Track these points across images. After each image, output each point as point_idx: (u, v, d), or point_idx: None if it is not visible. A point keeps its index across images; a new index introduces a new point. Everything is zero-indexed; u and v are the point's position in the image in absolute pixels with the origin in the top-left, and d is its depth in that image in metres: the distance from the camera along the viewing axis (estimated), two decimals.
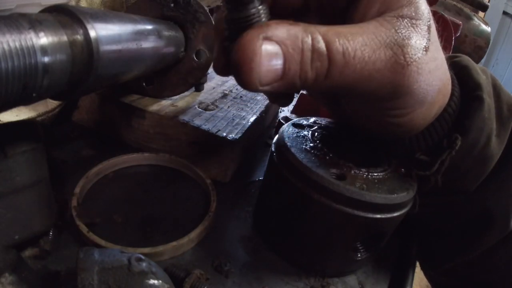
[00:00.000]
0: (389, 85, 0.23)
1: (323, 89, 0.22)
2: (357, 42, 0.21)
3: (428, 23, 0.24)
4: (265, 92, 0.30)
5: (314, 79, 0.21)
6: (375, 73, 0.22)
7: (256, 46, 0.20)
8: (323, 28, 0.21)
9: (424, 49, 0.23)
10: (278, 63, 0.20)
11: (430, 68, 0.24)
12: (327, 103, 0.35)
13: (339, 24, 0.24)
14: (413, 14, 0.23)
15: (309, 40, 0.20)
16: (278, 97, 0.31)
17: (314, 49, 0.21)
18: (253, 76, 0.20)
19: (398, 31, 0.22)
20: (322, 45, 0.21)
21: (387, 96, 0.24)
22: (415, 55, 0.22)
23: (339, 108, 0.33)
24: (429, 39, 0.23)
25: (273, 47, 0.20)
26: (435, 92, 0.26)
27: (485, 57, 1.23)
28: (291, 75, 0.21)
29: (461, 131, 0.29)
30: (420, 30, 0.23)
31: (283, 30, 0.20)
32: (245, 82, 0.20)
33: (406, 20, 0.23)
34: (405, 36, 0.22)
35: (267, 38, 0.20)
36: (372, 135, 0.31)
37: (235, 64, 0.20)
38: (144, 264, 0.23)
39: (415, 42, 0.23)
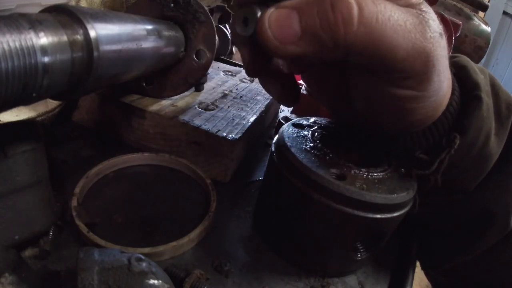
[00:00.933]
0: (419, 55, 0.22)
1: (358, 44, 0.21)
2: (384, 4, 0.21)
3: (435, 18, 0.24)
4: (276, 84, 0.30)
5: (343, 26, 0.20)
6: (408, 33, 0.21)
7: (266, 14, 0.21)
8: None
9: (440, 34, 0.23)
10: (291, 20, 0.21)
11: (445, 54, 0.24)
12: (331, 102, 0.35)
13: None
14: (424, 8, 0.24)
15: None
16: (284, 95, 0.31)
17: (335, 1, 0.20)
18: (269, 38, 0.21)
19: (419, 12, 0.23)
20: None
21: (415, 71, 0.23)
22: (435, 32, 0.23)
23: (344, 106, 0.32)
24: (441, 29, 0.24)
25: (284, 11, 0.21)
26: (448, 81, 0.26)
27: (485, 57, 1.23)
28: (311, 28, 0.20)
29: (460, 130, 0.29)
30: (434, 20, 0.23)
31: None
32: (266, 44, 0.21)
33: (422, 10, 0.23)
34: (424, 19, 0.23)
35: (279, 7, 0.21)
36: (376, 130, 0.31)
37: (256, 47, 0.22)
38: (144, 264, 0.23)
39: (433, 24, 0.23)
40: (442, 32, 0.24)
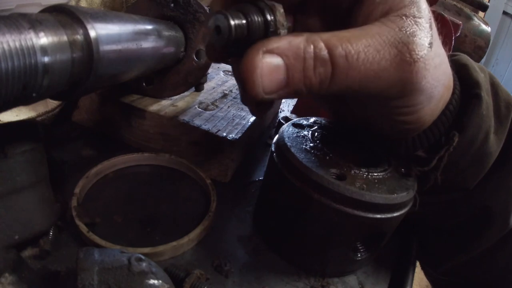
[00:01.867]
0: (398, 83, 0.23)
1: (331, 92, 0.23)
2: (360, 44, 0.22)
3: (430, 20, 0.24)
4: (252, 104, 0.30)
5: (319, 84, 0.22)
6: (381, 72, 0.22)
7: (256, 60, 0.21)
8: (326, 35, 0.22)
9: (429, 45, 0.23)
10: (280, 73, 0.21)
11: (436, 63, 0.24)
12: (331, 106, 0.35)
13: (341, 24, 0.24)
14: (416, 12, 0.23)
15: (310, 48, 0.21)
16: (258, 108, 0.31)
17: (316, 56, 0.21)
18: (256, 87, 0.21)
19: (402, 29, 0.23)
20: (324, 52, 0.21)
21: (396, 95, 0.24)
22: (421, 51, 0.23)
23: (344, 110, 0.33)
24: (432, 36, 0.24)
25: (274, 59, 0.21)
26: (442, 87, 0.27)
27: (485, 57, 1.23)
28: (295, 82, 0.22)
29: (459, 128, 0.29)
30: (423, 28, 0.23)
31: (284, 42, 0.21)
32: (249, 93, 0.21)
33: (409, 18, 0.23)
34: (410, 33, 0.23)
35: (268, 51, 0.21)
36: (377, 134, 0.31)
37: (240, 79, 0.22)
38: (144, 264, 0.23)
39: (420, 39, 0.23)
40: (433, 39, 0.24)
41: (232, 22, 0.21)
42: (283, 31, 0.22)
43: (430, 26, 0.24)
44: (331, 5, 0.28)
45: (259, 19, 0.22)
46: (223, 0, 0.24)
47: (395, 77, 0.23)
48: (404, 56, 0.22)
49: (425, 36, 0.23)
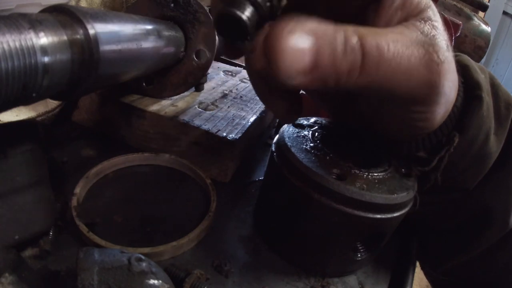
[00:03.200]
0: (425, 85, 0.23)
1: (359, 86, 0.21)
2: (389, 38, 0.21)
3: (443, 24, 0.24)
4: (282, 101, 0.28)
5: (348, 73, 0.20)
6: (411, 70, 0.22)
7: (283, 38, 0.19)
8: (353, 26, 0.21)
9: (447, 48, 0.23)
10: (308, 54, 0.19)
11: (453, 66, 0.24)
12: (333, 106, 0.35)
13: None
14: (432, 16, 0.24)
15: (341, 34, 0.20)
16: (287, 111, 0.30)
17: (347, 42, 0.20)
18: (283, 68, 0.19)
19: (424, 32, 0.22)
20: (354, 38, 0.20)
21: (421, 98, 0.24)
22: (445, 53, 0.23)
23: (347, 111, 0.33)
24: (447, 39, 0.24)
25: (302, 39, 0.19)
26: (455, 90, 0.27)
27: (485, 57, 1.23)
28: (323, 66, 0.20)
29: (460, 129, 0.29)
30: (440, 31, 0.23)
31: (314, 22, 0.20)
32: (277, 76, 0.19)
33: (428, 22, 0.23)
34: (432, 36, 0.22)
35: (297, 30, 0.19)
36: (380, 135, 0.31)
37: (268, 57, 0.20)
38: (144, 264, 0.23)
39: (441, 41, 0.23)
40: (448, 42, 0.24)
41: (244, 17, 0.19)
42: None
43: (445, 30, 0.24)
44: (339, 8, 0.27)
45: None
46: None
47: (424, 78, 0.22)
48: (433, 56, 0.22)
49: (443, 39, 0.23)
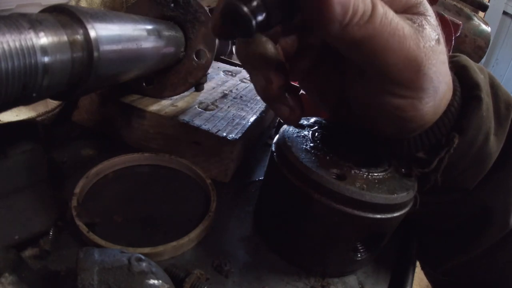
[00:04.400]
0: (413, 61, 0.23)
1: (363, 36, 0.22)
2: (388, 7, 0.22)
3: (436, 20, 0.25)
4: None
5: (361, 15, 0.21)
6: (404, 39, 0.22)
7: None
8: None
9: (437, 40, 0.24)
10: None
11: (442, 59, 0.25)
12: (332, 108, 0.35)
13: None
14: (423, 10, 0.25)
15: None
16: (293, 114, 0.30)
17: None
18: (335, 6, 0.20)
19: (414, 22, 0.24)
20: None
21: (407, 79, 0.24)
22: (431, 41, 0.24)
23: (345, 110, 0.33)
24: (439, 34, 0.25)
25: None
26: (445, 85, 0.27)
27: (485, 57, 1.23)
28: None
29: (459, 129, 0.29)
30: (432, 24, 0.24)
31: None
32: (329, 17, 0.20)
33: (419, 15, 0.24)
34: (421, 25, 0.24)
35: None
36: (378, 134, 0.31)
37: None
38: (144, 264, 0.23)
39: (429, 32, 0.24)
40: (440, 37, 0.25)
41: (246, 9, 0.18)
42: None
43: (437, 25, 0.25)
44: None
45: None
46: None
47: (413, 54, 0.23)
48: (420, 38, 0.23)
49: (433, 31, 0.24)
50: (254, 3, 0.19)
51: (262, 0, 0.19)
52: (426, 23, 0.24)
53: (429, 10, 0.25)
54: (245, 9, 0.18)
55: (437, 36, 0.24)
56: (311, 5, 0.20)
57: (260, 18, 0.19)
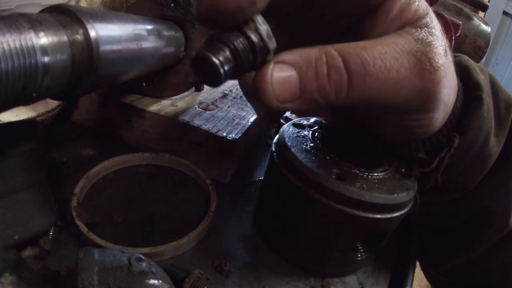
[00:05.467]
0: (419, 94, 0.23)
1: (350, 103, 0.22)
2: (375, 52, 0.21)
3: (441, 28, 0.24)
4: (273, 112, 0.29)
5: (335, 93, 0.21)
6: (401, 81, 0.22)
7: (267, 72, 0.20)
8: (339, 45, 0.21)
9: (445, 53, 0.23)
10: (293, 83, 0.21)
11: (451, 72, 0.24)
12: (333, 113, 0.35)
13: (344, 38, 0.24)
14: (429, 22, 0.23)
15: (323, 58, 0.21)
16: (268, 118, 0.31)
17: (329, 65, 0.21)
18: (269, 98, 0.21)
19: (418, 40, 0.22)
20: (338, 60, 0.21)
21: (417, 107, 0.24)
22: (440, 60, 0.23)
23: (348, 115, 0.33)
24: (445, 44, 0.24)
25: (285, 69, 0.21)
26: (454, 94, 0.27)
27: (485, 57, 1.23)
28: (309, 92, 0.21)
29: (460, 130, 0.29)
30: (438, 37, 0.23)
31: (295, 53, 0.21)
32: (264, 103, 0.21)
33: (424, 29, 0.23)
34: (426, 43, 0.22)
35: (279, 62, 0.21)
36: (384, 139, 0.31)
37: (249, 92, 0.23)
38: (144, 264, 0.23)
39: (437, 48, 0.23)
40: (447, 48, 0.24)
41: (216, 61, 0.19)
42: (271, 44, 0.20)
43: (442, 35, 0.24)
44: (334, 18, 0.27)
45: (242, 40, 0.20)
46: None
47: (417, 88, 0.22)
48: (424, 65, 0.22)
49: (440, 44, 0.23)
50: (223, 54, 0.19)
51: (231, 52, 0.19)
52: (432, 38, 0.23)
53: (434, 21, 0.24)
54: (214, 59, 0.19)
55: (444, 48, 0.23)
56: None
57: (227, 68, 0.20)
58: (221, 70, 0.19)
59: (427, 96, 0.23)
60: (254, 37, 0.20)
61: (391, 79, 0.21)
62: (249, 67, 0.21)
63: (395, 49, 0.22)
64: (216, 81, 0.20)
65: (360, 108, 0.24)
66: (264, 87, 0.20)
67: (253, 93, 0.29)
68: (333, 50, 0.21)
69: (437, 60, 0.22)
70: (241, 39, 0.20)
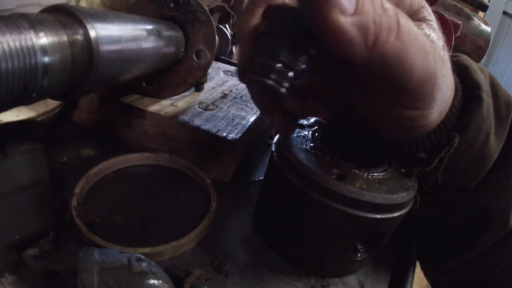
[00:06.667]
0: (432, 75, 0.23)
1: (390, 55, 0.21)
2: (414, 23, 0.21)
3: (438, 23, 0.25)
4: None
5: (387, 31, 0.20)
6: (426, 55, 0.22)
7: None
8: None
9: (443, 47, 0.24)
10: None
11: (448, 66, 0.25)
12: (333, 114, 0.35)
13: None
14: (427, 15, 0.24)
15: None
16: (285, 123, 0.31)
17: (384, 8, 0.20)
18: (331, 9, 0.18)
19: (424, 32, 0.23)
20: (391, 9, 0.20)
21: (423, 91, 0.24)
22: (441, 51, 0.24)
23: (349, 117, 0.33)
24: (442, 39, 0.25)
25: None
26: (451, 90, 0.27)
27: (485, 57, 1.23)
28: (365, 11, 0.19)
29: (460, 129, 0.29)
30: (436, 31, 0.24)
31: None
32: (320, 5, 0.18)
33: (425, 22, 0.24)
34: (429, 36, 0.23)
35: None
36: (382, 138, 0.31)
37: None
38: (144, 264, 0.23)
39: (437, 40, 0.24)
40: (444, 43, 0.25)
41: (274, 84, 0.18)
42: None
43: (439, 29, 0.25)
44: None
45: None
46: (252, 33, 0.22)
47: (432, 69, 0.23)
48: (435, 52, 0.23)
49: (439, 38, 0.24)
50: (276, 72, 0.18)
51: (283, 64, 0.18)
52: (432, 31, 0.23)
53: (431, 14, 0.25)
54: (269, 82, 0.18)
55: (442, 43, 0.24)
56: (329, 40, 0.19)
57: (286, 83, 0.19)
58: (281, 89, 0.19)
59: (433, 81, 0.23)
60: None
61: (422, 48, 0.22)
62: (307, 68, 0.20)
63: (420, 30, 0.22)
64: (280, 95, 0.19)
65: (380, 77, 0.23)
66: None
67: (271, 108, 0.29)
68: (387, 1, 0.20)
69: (439, 51, 0.23)
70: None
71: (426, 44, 0.22)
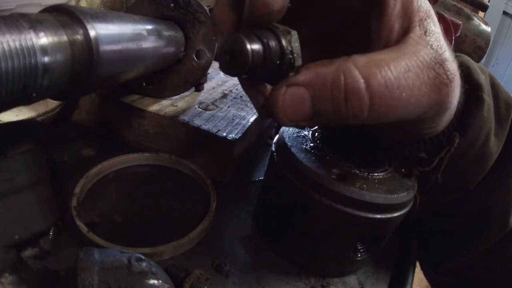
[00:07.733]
0: (434, 107, 0.23)
1: (366, 123, 0.21)
2: (400, 69, 0.20)
3: (441, 29, 0.24)
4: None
5: (353, 117, 0.20)
6: (422, 98, 0.21)
7: (279, 93, 0.21)
8: (361, 61, 0.20)
9: (453, 59, 0.23)
10: (306, 104, 0.20)
11: (458, 77, 0.24)
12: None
13: (345, 35, 0.24)
14: (433, 26, 0.23)
15: (341, 80, 0.20)
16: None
17: (348, 88, 0.20)
18: (281, 117, 0.21)
19: (433, 47, 0.22)
20: (359, 82, 0.20)
21: (430, 117, 0.24)
22: (451, 67, 0.22)
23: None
24: (448, 45, 0.23)
25: (298, 91, 0.20)
26: (458, 98, 0.26)
27: (485, 57, 1.23)
28: (324, 113, 0.21)
29: (460, 129, 0.29)
30: (443, 41, 0.23)
31: (310, 73, 0.20)
32: (277, 120, 0.22)
33: (432, 33, 0.23)
34: (440, 51, 0.22)
35: (292, 84, 0.21)
36: (387, 140, 0.31)
37: (261, 106, 0.23)
38: (144, 264, 0.23)
39: (448, 55, 0.22)
40: (450, 50, 0.23)
41: (249, 47, 0.19)
42: (298, 61, 0.20)
43: (443, 34, 0.24)
44: (334, 14, 0.27)
45: (275, 44, 0.20)
46: (232, 22, 0.23)
47: (434, 101, 0.22)
48: (442, 78, 0.22)
49: (447, 49, 0.23)
50: (256, 44, 0.19)
51: (263, 46, 0.20)
52: (439, 43, 0.22)
53: (437, 23, 0.23)
54: (247, 44, 0.19)
55: (450, 52, 0.23)
56: None
57: (256, 58, 0.20)
58: (249, 57, 0.19)
59: (440, 107, 0.23)
60: (286, 46, 0.20)
61: (413, 98, 0.21)
62: (270, 72, 0.21)
63: (418, 64, 0.21)
64: (239, 66, 0.20)
65: (373, 123, 0.23)
66: (276, 108, 0.21)
67: (267, 110, 0.29)
68: (355, 70, 0.20)
69: (451, 70, 0.22)
70: (275, 42, 0.20)
71: (423, 86, 0.21)
